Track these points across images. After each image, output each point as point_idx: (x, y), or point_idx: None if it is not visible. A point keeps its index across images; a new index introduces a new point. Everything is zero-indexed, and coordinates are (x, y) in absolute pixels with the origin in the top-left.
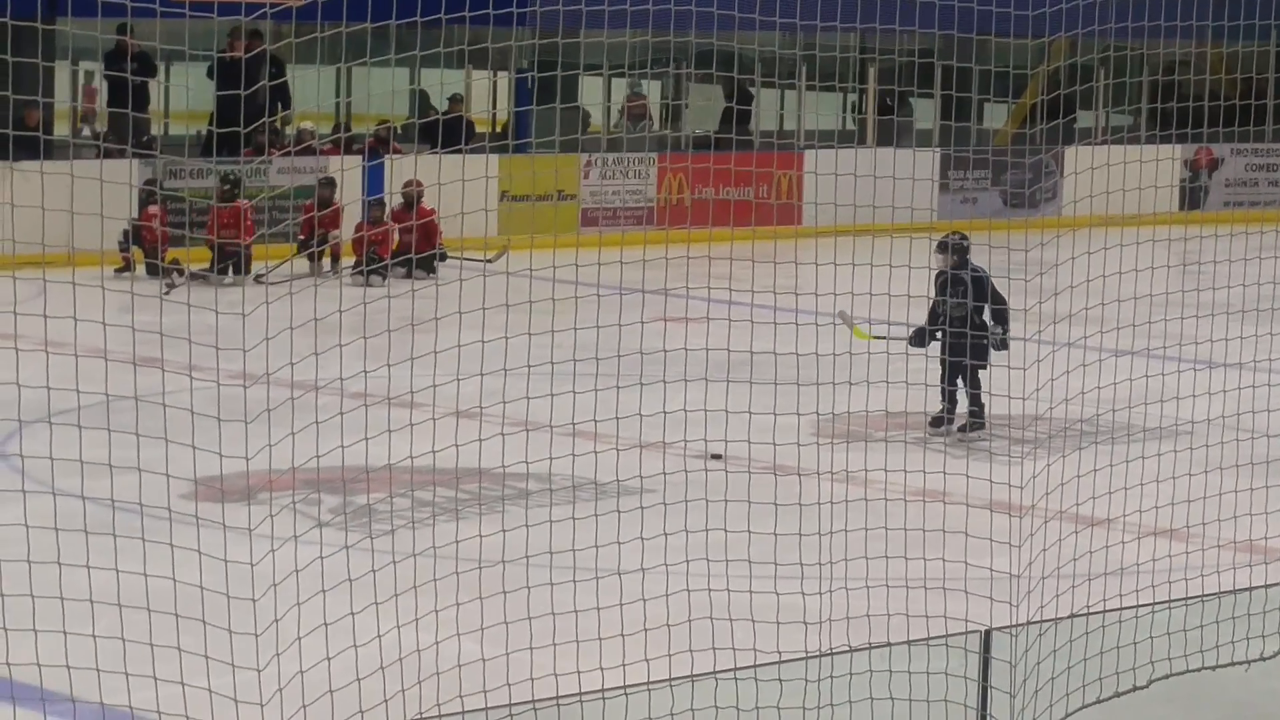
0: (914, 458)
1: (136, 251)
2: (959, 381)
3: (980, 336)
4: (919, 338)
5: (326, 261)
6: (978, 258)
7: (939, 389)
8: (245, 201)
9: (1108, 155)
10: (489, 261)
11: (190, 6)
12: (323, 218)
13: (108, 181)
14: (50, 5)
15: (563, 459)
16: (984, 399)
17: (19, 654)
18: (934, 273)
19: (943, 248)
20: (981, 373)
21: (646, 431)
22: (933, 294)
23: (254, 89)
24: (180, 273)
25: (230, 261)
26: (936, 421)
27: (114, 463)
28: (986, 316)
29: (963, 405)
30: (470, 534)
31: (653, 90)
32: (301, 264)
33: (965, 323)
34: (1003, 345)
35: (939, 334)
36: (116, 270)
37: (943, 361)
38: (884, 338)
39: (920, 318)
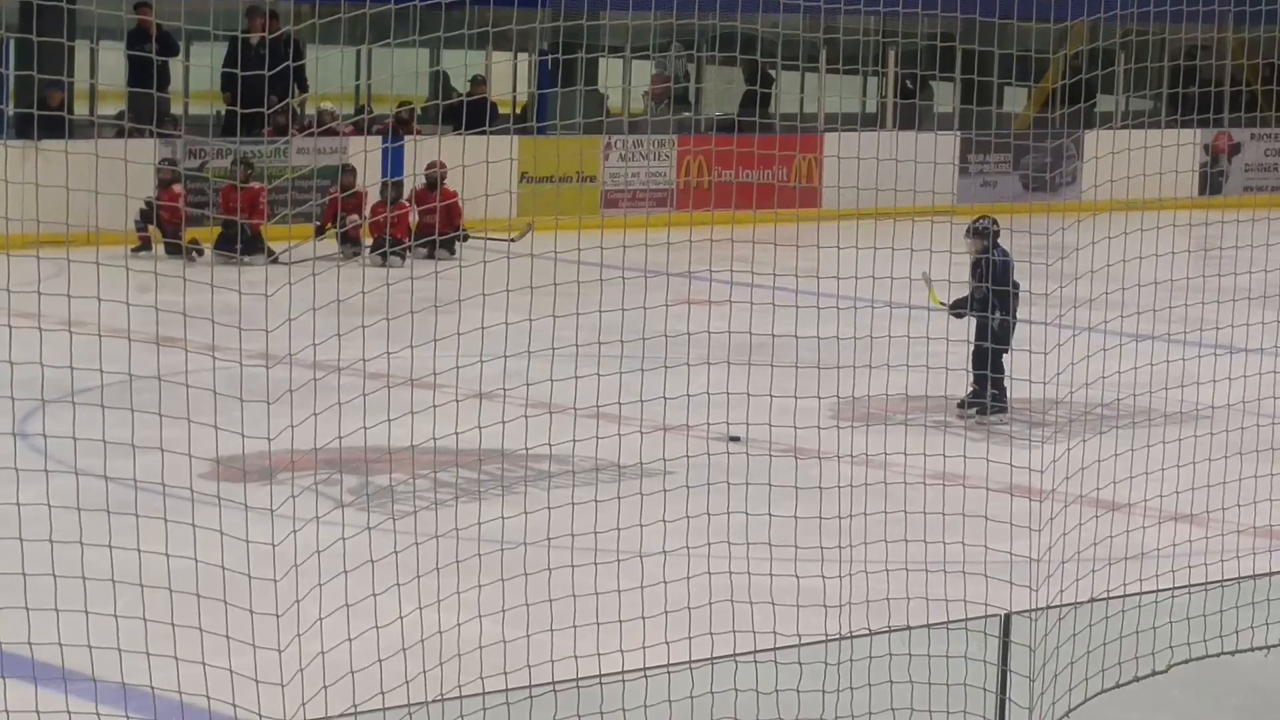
0: (934, 441)
1: (154, 231)
2: (983, 365)
3: (981, 318)
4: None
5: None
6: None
7: (964, 371)
8: (257, 184)
9: (1128, 140)
10: (513, 240)
11: None
12: (345, 203)
13: (131, 161)
14: None
15: (585, 441)
16: (1006, 382)
17: (40, 633)
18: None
19: (968, 233)
20: (1004, 356)
21: (668, 414)
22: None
23: (273, 72)
24: (200, 252)
25: (242, 243)
26: (961, 403)
27: (136, 442)
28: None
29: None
30: (492, 516)
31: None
32: (324, 246)
33: (986, 306)
34: (1000, 328)
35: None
36: (133, 249)
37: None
38: (956, 311)
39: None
